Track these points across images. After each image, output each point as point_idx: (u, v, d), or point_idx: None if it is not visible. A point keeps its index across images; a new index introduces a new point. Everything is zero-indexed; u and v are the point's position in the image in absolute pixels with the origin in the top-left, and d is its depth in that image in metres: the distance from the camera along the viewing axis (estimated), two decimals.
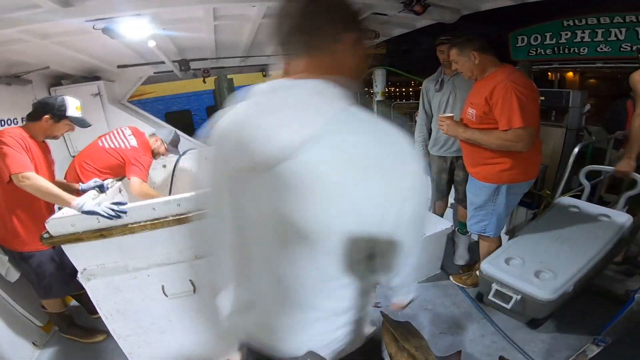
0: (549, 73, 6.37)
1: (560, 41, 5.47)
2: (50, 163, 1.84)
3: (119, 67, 3.12)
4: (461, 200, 2.38)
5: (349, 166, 0.56)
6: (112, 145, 2.15)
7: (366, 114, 0.61)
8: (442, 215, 2.66)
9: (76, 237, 1.40)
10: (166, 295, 1.55)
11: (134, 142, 2.16)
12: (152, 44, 2.30)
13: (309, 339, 0.74)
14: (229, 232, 0.73)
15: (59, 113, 1.70)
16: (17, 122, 2.39)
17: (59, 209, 1.58)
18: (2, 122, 2.30)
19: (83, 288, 1.67)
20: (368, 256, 0.65)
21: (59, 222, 1.40)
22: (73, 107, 1.74)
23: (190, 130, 3.58)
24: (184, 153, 2.47)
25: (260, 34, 2.67)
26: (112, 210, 1.39)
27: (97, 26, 1.81)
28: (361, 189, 0.56)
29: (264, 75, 4.44)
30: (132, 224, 1.44)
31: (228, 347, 1.78)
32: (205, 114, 7.22)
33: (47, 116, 1.69)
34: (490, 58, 1.78)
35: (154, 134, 2.34)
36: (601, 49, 5.06)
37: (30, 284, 1.85)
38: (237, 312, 0.82)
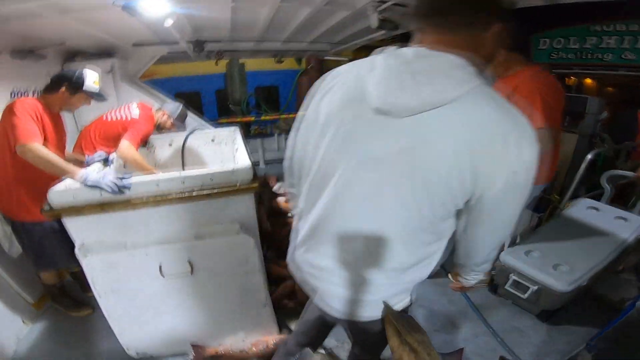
0: (568, 78, 6.24)
1: (584, 46, 5.36)
2: (62, 135, 1.83)
3: (134, 45, 3.12)
4: None
5: (477, 131, 0.66)
6: (115, 117, 2.16)
7: (496, 93, 0.69)
8: None
9: (77, 210, 1.39)
10: (163, 276, 1.54)
11: (136, 113, 2.16)
12: (169, 22, 2.28)
13: (375, 289, 0.85)
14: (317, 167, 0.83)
15: (75, 85, 1.70)
16: (27, 95, 2.38)
17: None
18: (13, 94, 2.31)
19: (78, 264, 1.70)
20: (467, 218, 0.76)
21: (61, 193, 1.39)
22: (91, 80, 1.74)
23: (199, 111, 3.57)
24: (192, 132, 2.46)
25: (277, 18, 2.63)
26: (116, 184, 1.38)
27: (117, 2, 1.80)
28: (483, 152, 0.66)
29: (277, 62, 4.39)
30: (134, 199, 1.42)
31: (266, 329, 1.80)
32: (215, 96, 7.19)
33: (63, 88, 1.68)
34: (517, 56, 1.72)
35: (160, 108, 2.33)
36: (626, 56, 4.95)
37: (31, 255, 1.85)
38: (306, 248, 0.92)
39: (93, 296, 1.58)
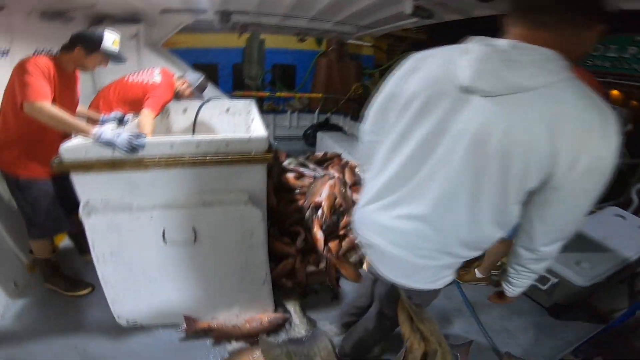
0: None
1: (623, 56, 5.18)
2: (73, 95, 1.80)
3: (162, 11, 3.07)
4: None
5: (562, 114, 0.69)
6: (136, 80, 2.14)
7: (585, 87, 0.72)
8: None
9: (87, 165, 1.38)
10: (165, 242, 1.54)
11: (158, 79, 2.14)
12: None
13: (437, 262, 0.93)
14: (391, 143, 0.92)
15: (92, 45, 1.66)
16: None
17: None
18: (36, 53, 2.28)
19: (75, 227, 1.69)
20: (542, 199, 0.79)
21: (73, 147, 1.38)
22: (110, 40, 1.70)
23: (215, 84, 3.55)
24: (207, 100, 2.44)
25: None
26: (130, 143, 1.36)
27: None
28: (567, 134, 0.69)
29: (299, 40, 4.32)
30: (146, 159, 1.41)
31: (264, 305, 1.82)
32: (231, 70, 7.16)
33: (79, 47, 1.65)
34: None
35: (182, 76, 2.32)
36: None
37: (23, 217, 1.80)
38: (379, 208, 0.97)
39: (90, 271, 1.53)
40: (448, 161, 0.81)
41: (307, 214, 2.37)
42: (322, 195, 2.46)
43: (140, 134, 1.42)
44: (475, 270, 2.27)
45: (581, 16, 0.72)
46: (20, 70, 1.50)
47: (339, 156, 3.44)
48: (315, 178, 2.76)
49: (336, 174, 2.76)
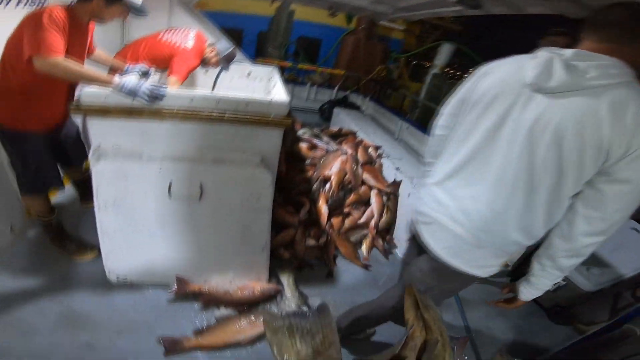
0: None
1: None
2: (84, 47, 1.70)
3: None
4: None
5: (619, 110, 0.76)
6: (169, 40, 2.11)
7: None
8: None
9: (104, 110, 1.38)
10: (170, 196, 1.54)
11: (190, 44, 2.11)
12: None
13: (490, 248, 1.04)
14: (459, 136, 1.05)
15: None
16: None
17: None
18: None
19: (79, 175, 1.73)
20: (588, 193, 0.85)
21: (93, 92, 1.37)
22: None
23: (238, 48, 3.47)
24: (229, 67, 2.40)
25: None
26: (152, 92, 1.36)
27: None
28: (622, 130, 0.76)
29: (331, 15, 4.20)
30: (165, 109, 1.41)
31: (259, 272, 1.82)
32: (256, 37, 7.04)
33: None
34: None
35: (212, 44, 2.28)
36: None
37: (16, 170, 1.73)
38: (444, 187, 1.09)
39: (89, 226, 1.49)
40: (509, 149, 0.91)
41: (315, 185, 2.37)
42: (333, 169, 2.46)
43: (162, 85, 1.41)
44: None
45: None
46: (33, 23, 1.39)
47: (354, 134, 3.41)
48: (327, 151, 2.74)
49: (349, 151, 2.74)
